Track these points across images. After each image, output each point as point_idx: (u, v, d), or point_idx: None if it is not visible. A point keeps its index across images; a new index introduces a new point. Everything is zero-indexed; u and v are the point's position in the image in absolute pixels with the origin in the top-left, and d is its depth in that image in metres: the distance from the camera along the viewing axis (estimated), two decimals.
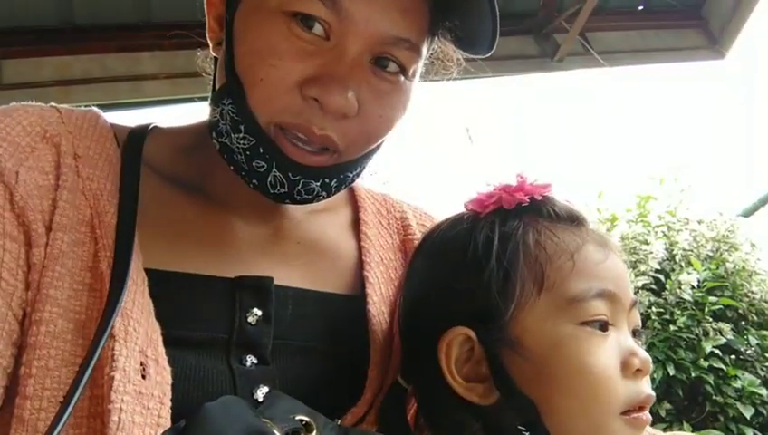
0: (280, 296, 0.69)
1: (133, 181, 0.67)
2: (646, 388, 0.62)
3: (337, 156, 0.66)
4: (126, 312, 0.58)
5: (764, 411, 3.33)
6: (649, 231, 3.60)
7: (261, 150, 0.64)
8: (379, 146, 0.71)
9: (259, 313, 0.67)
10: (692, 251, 3.57)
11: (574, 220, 0.67)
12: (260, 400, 0.62)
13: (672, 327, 3.24)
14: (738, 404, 3.21)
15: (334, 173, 0.67)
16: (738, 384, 3.25)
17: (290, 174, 0.64)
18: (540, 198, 0.67)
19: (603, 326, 0.61)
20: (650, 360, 0.63)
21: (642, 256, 3.40)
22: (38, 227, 0.61)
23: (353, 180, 0.71)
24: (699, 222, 3.71)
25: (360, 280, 0.75)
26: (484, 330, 0.62)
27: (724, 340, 3.29)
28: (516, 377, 0.61)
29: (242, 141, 0.64)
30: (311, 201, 0.68)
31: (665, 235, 3.59)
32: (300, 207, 0.77)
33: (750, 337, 3.42)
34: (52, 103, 0.72)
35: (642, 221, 3.72)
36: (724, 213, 3.83)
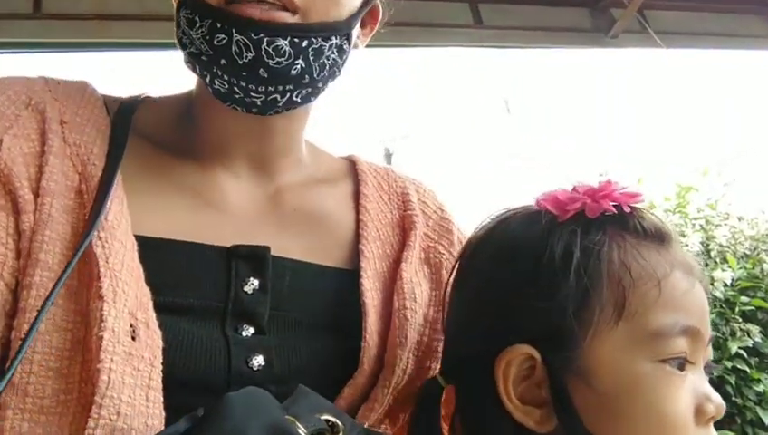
0: (277, 267, 0.68)
1: (121, 146, 0.66)
2: None
3: (300, 16, 0.63)
4: (114, 274, 0.58)
5: None
6: (687, 223, 3.53)
7: (218, 25, 0.63)
8: (348, 22, 0.67)
9: (256, 282, 0.66)
10: (729, 248, 3.49)
11: (663, 239, 0.59)
12: (255, 368, 0.62)
13: None
14: (758, 408, 3.17)
15: (302, 33, 0.63)
16: (760, 388, 3.20)
17: (251, 34, 0.62)
18: (627, 209, 0.60)
19: (682, 365, 0.56)
20: (724, 406, 0.58)
21: None
22: (25, 193, 0.60)
23: (329, 57, 0.66)
24: (740, 219, 3.63)
25: (355, 254, 0.74)
26: (552, 353, 0.56)
27: (752, 342, 3.23)
28: (580, 408, 0.55)
29: (200, 30, 0.63)
30: (288, 73, 0.64)
31: (702, 228, 3.51)
32: (296, 173, 0.75)
33: None
34: (42, 74, 0.71)
35: (680, 212, 3.64)
36: (767, 212, 3.73)
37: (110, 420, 0.53)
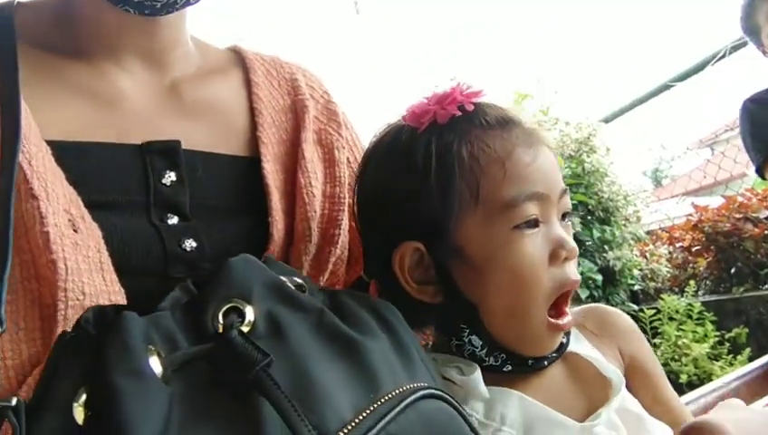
0: (189, 159, 0.70)
1: (12, 54, 0.66)
2: (571, 273, 0.67)
3: None
4: (41, 175, 0.58)
5: (596, 294, 3.85)
6: None
7: None
8: None
9: (173, 174, 0.68)
10: (557, 149, 3.86)
11: (505, 124, 0.68)
12: (188, 250, 0.66)
13: None
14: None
15: None
16: (579, 270, 3.68)
17: None
18: (471, 107, 0.68)
19: (534, 224, 0.65)
20: (576, 247, 0.67)
21: None
22: None
23: None
24: (567, 123, 4.02)
25: (254, 141, 0.77)
26: (432, 242, 0.67)
27: (573, 231, 3.69)
28: (459, 281, 0.67)
29: None
30: None
31: None
32: (187, 65, 0.78)
33: (594, 230, 3.86)
34: None
35: None
36: (589, 117, 4.17)
37: (78, 300, 0.56)
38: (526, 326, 0.67)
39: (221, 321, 0.46)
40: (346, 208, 0.78)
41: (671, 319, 4.00)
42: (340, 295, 0.57)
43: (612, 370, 0.71)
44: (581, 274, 3.76)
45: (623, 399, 0.70)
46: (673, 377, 3.71)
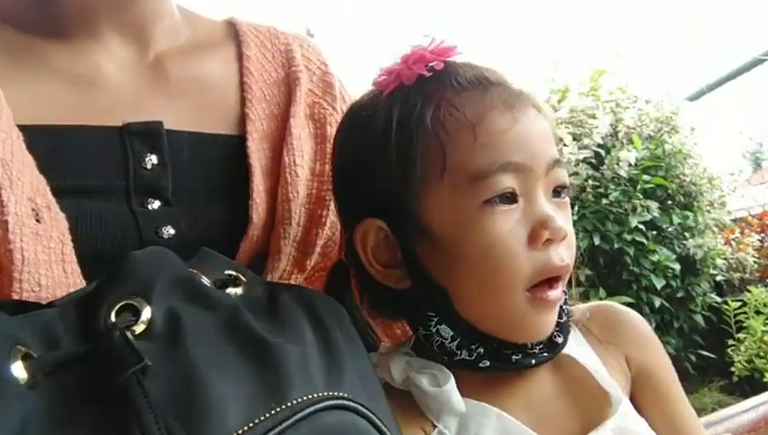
0: (173, 141, 0.67)
1: None
2: (556, 257, 0.58)
3: None
4: (6, 163, 0.56)
5: (674, 284, 3.62)
6: (598, 106, 3.62)
7: None
8: None
9: (154, 158, 0.65)
10: (635, 129, 3.66)
11: (479, 84, 0.60)
12: (165, 237, 0.63)
13: (604, 201, 3.39)
14: (652, 276, 3.46)
15: None
16: (655, 258, 3.49)
17: None
18: (440, 66, 0.61)
19: (511, 198, 0.58)
20: (563, 228, 0.58)
21: (587, 130, 3.46)
22: None
23: None
24: (647, 101, 3.78)
25: (242, 118, 0.73)
26: (395, 219, 0.60)
27: (650, 216, 3.48)
28: (428, 263, 0.60)
29: None
30: None
31: (612, 111, 3.64)
32: (173, 39, 0.75)
33: (674, 216, 3.63)
34: None
35: (593, 95, 3.74)
36: (672, 95, 3.90)
37: (33, 291, 0.54)
38: (503, 310, 0.59)
39: (113, 320, 0.42)
40: None
41: (758, 313, 3.72)
42: (281, 291, 0.52)
43: (612, 383, 0.62)
44: (657, 262, 3.57)
45: (623, 418, 0.61)
46: (757, 375, 3.46)
